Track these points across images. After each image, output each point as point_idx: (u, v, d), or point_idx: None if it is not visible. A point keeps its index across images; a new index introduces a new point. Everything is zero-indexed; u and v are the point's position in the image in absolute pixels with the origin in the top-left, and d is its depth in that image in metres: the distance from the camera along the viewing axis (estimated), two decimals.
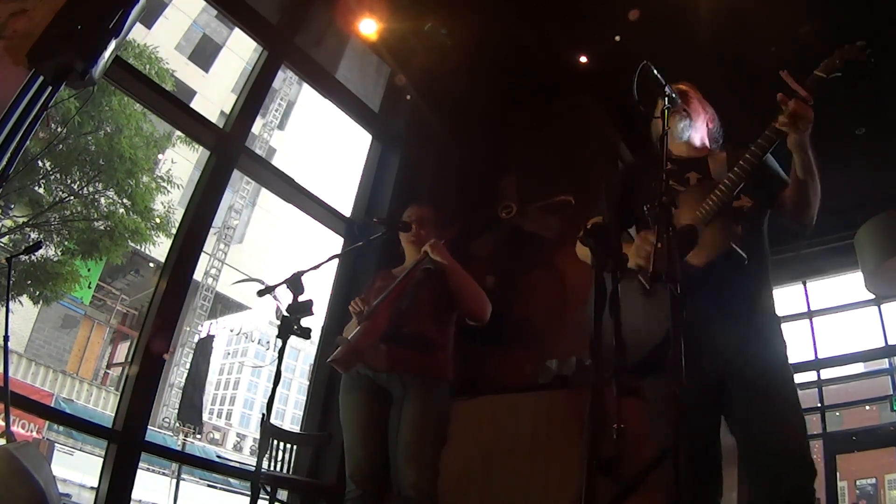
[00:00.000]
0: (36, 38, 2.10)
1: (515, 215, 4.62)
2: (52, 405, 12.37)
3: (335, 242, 4.61)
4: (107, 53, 2.21)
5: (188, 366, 17.98)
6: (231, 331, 29.19)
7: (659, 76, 1.99)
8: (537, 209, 4.52)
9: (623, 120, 4.81)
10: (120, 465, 3.02)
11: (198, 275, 16.52)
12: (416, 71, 4.77)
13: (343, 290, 4.32)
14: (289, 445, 3.42)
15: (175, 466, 16.34)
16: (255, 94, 4.12)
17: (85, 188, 11.55)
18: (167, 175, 12.44)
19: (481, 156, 4.91)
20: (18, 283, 10.85)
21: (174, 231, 9.51)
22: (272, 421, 2.44)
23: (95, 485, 3.15)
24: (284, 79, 20.79)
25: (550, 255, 4.42)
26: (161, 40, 14.20)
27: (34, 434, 13.89)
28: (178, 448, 14.74)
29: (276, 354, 2.40)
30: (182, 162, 15.51)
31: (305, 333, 2.40)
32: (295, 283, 2.47)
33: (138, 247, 12.76)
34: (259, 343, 34.28)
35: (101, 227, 11.68)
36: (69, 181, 11.56)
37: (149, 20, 16.56)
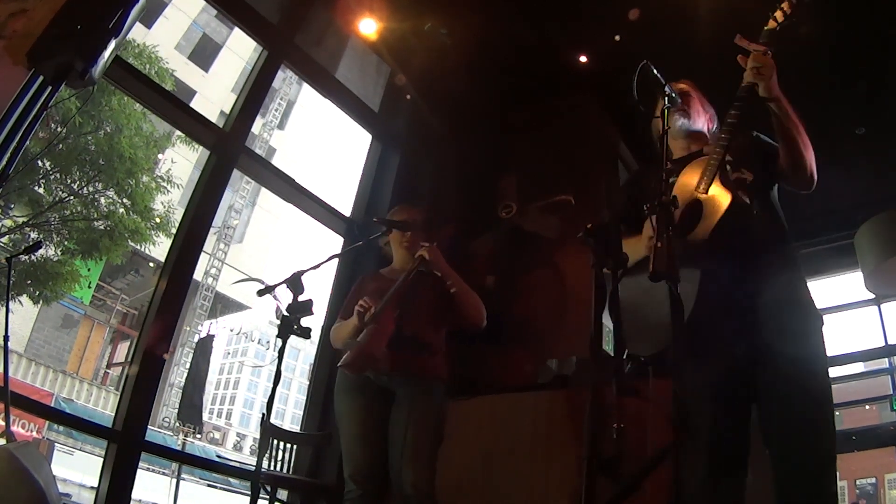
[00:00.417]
0: (36, 37, 2.10)
1: (515, 215, 4.62)
2: (52, 405, 12.37)
3: (335, 242, 4.61)
4: (107, 53, 2.20)
5: (188, 365, 17.99)
6: (231, 330, 29.18)
7: (659, 76, 1.99)
8: (537, 209, 4.51)
9: (623, 120, 4.81)
10: (120, 465, 3.02)
11: (198, 274, 16.55)
12: (416, 71, 4.76)
13: (343, 290, 4.31)
14: (289, 445, 3.42)
15: (175, 466, 16.35)
16: (254, 94, 4.12)
17: (85, 188, 11.55)
18: (167, 175, 12.44)
19: (481, 155, 4.91)
20: (18, 282, 10.85)
21: (174, 231, 9.52)
22: (272, 421, 2.45)
23: (95, 484, 3.16)
24: (284, 78, 20.79)
25: (550, 255, 4.42)
26: (161, 40, 14.20)
27: (34, 434, 13.89)
28: (178, 448, 14.73)
29: (276, 354, 2.40)
30: (182, 162, 15.51)
31: (305, 333, 2.40)
32: (295, 282, 2.47)
33: (138, 246, 12.76)
34: (259, 343, 34.28)
35: (101, 227, 11.68)
36: (69, 181, 11.56)
37: (148, 20, 16.56)
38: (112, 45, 2.22)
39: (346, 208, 4.69)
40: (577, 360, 3.63)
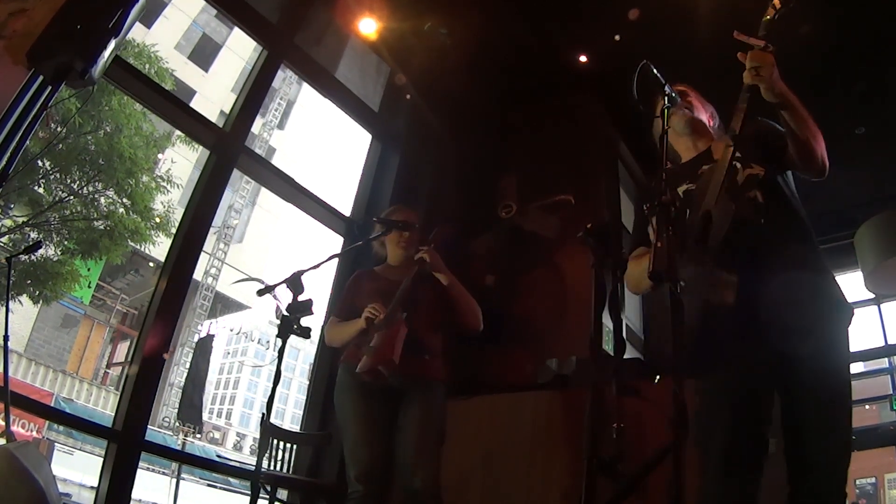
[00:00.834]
0: (35, 37, 2.10)
1: (515, 215, 4.62)
2: (52, 405, 12.37)
3: (335, 242, 4.61)
4: (106, 53, 2.20)
5: (188, 365, 17.98)
6: (231, 330, 29.18)
7: (659, 75, 1.99)
8: (537, 209, 4.51)
9: (623, 120, 4.81)
10: (120, 465, 3.02)
11: (198, 274, 16.55)
12: (415, 70, 4.76)
13: (342, 290, 4.32)
14: (289, 445, 3.42)
15: (175, 466, 16.36)
16: (254, 94, 4.12)
17: (85, 188, 11.54)
18: (167, 175, 12.43)
19: (481, 155, 4.91)
20: (18, 282, 10.85)
21: (174, 231, 9.51)
22: (272, 420, 2.45)
23: (95, 484, 3.16)
24: (284, 78, 20.78)
25: (550, 255, 4.42)
26: (161, 40, 14.20)
27: (34, 434, 13.89)
28: (178, 447, 14.73)
29: (276, 354, 2.40)
30: (182, 161, 15.50)
31: (305, 333, 2.40)
32: (295, 282, 2.47)
33: (138, 246, 12.75)
34: (259, 342, 34.30)
35: (101, 227, 11.68)
36: (69, 181, 11.55)
37: (148, 20, 16.56)
38: (112, 44, 2.22)
39: (345, 208, 4.69)
40: (577, 359, 3.63)
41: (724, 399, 1.94)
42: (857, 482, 14.70)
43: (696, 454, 1.91)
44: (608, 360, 2.18)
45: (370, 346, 2.73)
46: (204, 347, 17.75)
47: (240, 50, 19.18)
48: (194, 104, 9.51)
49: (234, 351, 42.67)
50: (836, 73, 4.39)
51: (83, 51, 2.12)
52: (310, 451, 3.76)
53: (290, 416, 38.82)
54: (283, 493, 3.55)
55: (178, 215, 11.61)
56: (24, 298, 11.57)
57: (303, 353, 38.94)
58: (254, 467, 2.32)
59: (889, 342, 6.36)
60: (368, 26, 4.35)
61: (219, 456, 19.70)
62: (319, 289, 3.21)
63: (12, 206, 11.83)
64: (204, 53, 19.64)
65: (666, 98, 2.00)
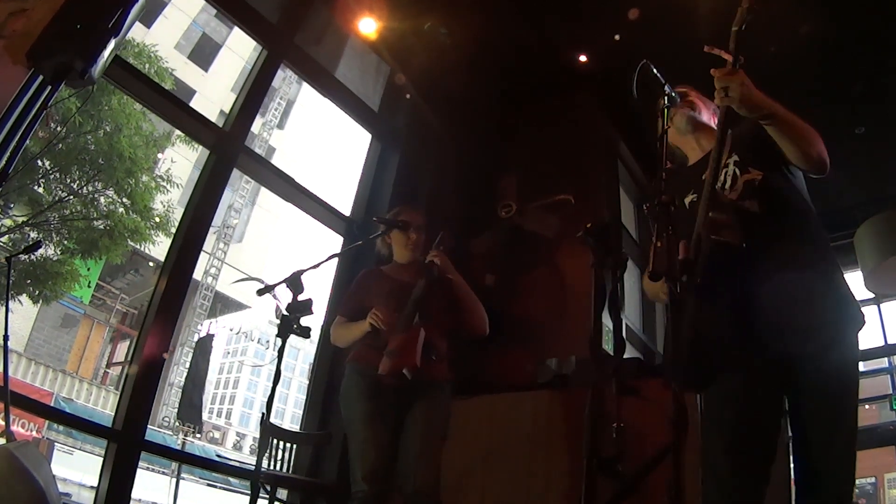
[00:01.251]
0: (35, 37, 2.10)
1: (515, 214, 4.62)
2: (52, 404, 12.36)
3: (335, 241, 4.61)
4: (106, 52, 2.20)
5: (188, 365, 17.96)
6: (231, 330, 29.18)
7: (658, 75, 1.98)
8: (537, 208, 4.52)
9: (623, 119, 4.81)
10: (120, 465, 3.02)
11: (197, 274, 16.55)
12: (415, 70, 4.77)
13: (343, 290, 4.32)
14: (288, 444, 3.42)
15: (175, 465, 16.35)
16: (254, 94, 4.12)
17: (84, 187, 11.53)
18: (167, 174, 12.42)
19: (481, 155, 4.92)
20: (18, 282, 10.84)
21: (174, 230, 9.49)
22: (272, 420, 2.45)
23: (95, 484, 3.16)
24: (284, 78, 20.76)
25: (550, 255, 4.42)
26: (160, 39, 14.19)
27: (34, 433, 13.89)
28: (178, 447, 14.72)
29: (276, 353, 2.40)
30: (182, 161, 15.49)
31: (305, 332, 2.40)
32: (294, 282, 2.47)
33: (138, 246, 12.74)
34: (259, 342, 34.29)
35: (101, 227, 11.67)
36: (69, 180, 11.54)
37: (148, 19, 16.56)
38: (112, 44, 2.22)
39: (345, 208, 4.69)
40: (577, 359, 3.64)
41: (730, 401, 1.94)
42: (857, 482, 14.70)
43: (700, 459, 1.92)
44: (608, 360, 2.18)
45: (389, 349, 2.76)
46: (204, 347, 17.74)
47: (240, 49, 19.17)
48: (194, 104, 9.52)
49: (234, 350, 42.70)
50: (836, 73, 4.39)
51: (83, 50, 2.12)
52: (310, 450, 3.77)
53: (289, 415, 38.84)
54: (282, 493, 3.55)
55: (177, 215, 11.61)
56: (24, 298, 11.56)
57: (302, 352, 38.97)
58: (254, 467, 2.32)
59: (888, 342, 6.37)
60: (368, 26, 4.35)
61: (219, 455, 19.71)
62: (319, 288, 3.21)
63: (12, 205, 11.82)
64: (204, 53, 19.63)
65: (666, 98, 2.00)
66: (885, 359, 7.54)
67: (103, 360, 19.13)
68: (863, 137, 4.93)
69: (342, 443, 3.63)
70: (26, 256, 10.12)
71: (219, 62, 19.82)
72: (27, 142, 2.16)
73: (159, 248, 12.51)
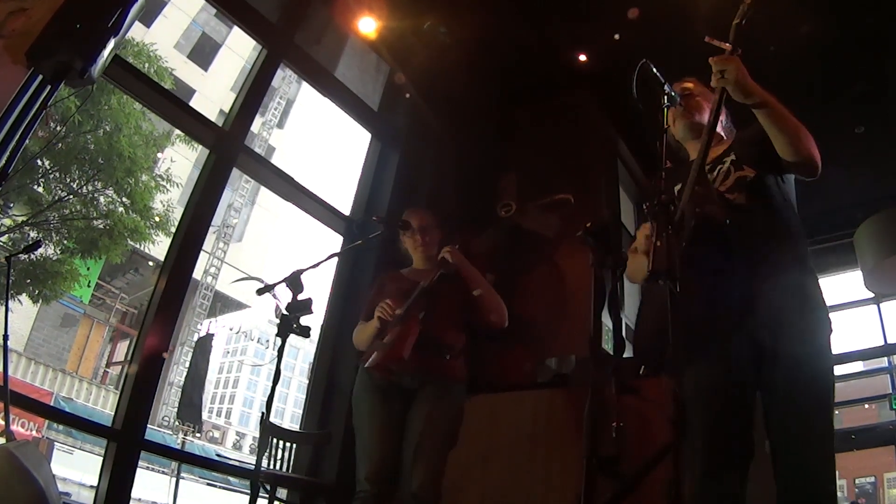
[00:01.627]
0: (35, 36, 2.10)
1: (515, 214, 4.62)
2: (52, 404, 12.36)
3: (334, 241, 4.61)
4: (106, 52, 2.20)
5: (188, 364, 17.98)
6: (230, 329, 29.18)
7: (658, 74, 1.99)
8: (537, 207, 4.52)
9: (623, 119, 4.81)
10: (119, 464, 3.02)
11: (197, 273, 16.56)
12: (415, 69, 4.76)
13: (342, 289, 4.33)
14: (288, 444, 3.42)
15: (174, 465, 16.36)
16: (254, 93, 4.11)
17: (84, 187, 11.53)
18: (166, 174, 12.42)
19: (481, 154, 4.91)
20: (18, 281, 10.84)
21: (173, 230, 9.49)
22: (272, 419, 2.44)
23: (95, 483, 3.16)
24: (284, 77, 20.77)
25: (550, 254, 4.42)
26: (160, 39, 14.18)
27: (34, 433, 13.89)
28: (178, 447, 14.74)
29: (276, 353, 2.40)
30: (181, 160, 15.50)
31: (305, 332, 2.40)
32: (294, 281, 2.47)
33: (138, 245, 12.73)
34: (258, 341, 34.29)
35: (101, 226, 11.67)
36: (68, 180, 11.54)
37: (148, 19, 16.55)
38: (111, 43, 2.22)
39: (345, 207, 4.69)
40: (577, 358, 3.64)
41: (704, 397, 1.94)
42: (857, 481, 14.73)
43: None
44: (608, 359, 2.19)
45: (382, 342, 2.74)
46: (203, 346, 17.76)
47: (239, 49, 19.17)
48: (194, 103, 9.50)
49: (234, 350, 42.70)
50: (836, 72, 4.39)
51: (82, 50, 2.12)
52: (309, 450, 3.77)
53: (289, 414, 38.85)
54: (282, 493, 3.55)
55: (177, 214, 11.62)
56: (24, 297, 11.56)
57: (302, 352, 38.99)
58: (253, 466, 2.32)
59: (888, 341, 6.37)
60: (368, 25, 4.35)
61: (218, 455, 19.73)
62: (319, 288, 3.21)
63: (12, 205, 11.82)
64: (203, 52, 19.63)
65: (665, 97, 2.00)
66: (885, 358, 7.53)
67: (103, 359, 19.14)
68: (863, 137, 4.93)
69: (342, 442, 3.64)
70: (26, 256, 10.12)
71: (218, 61, 19.82)
72: (27, 141, 2.16)
73: (159, 247, 12.50)
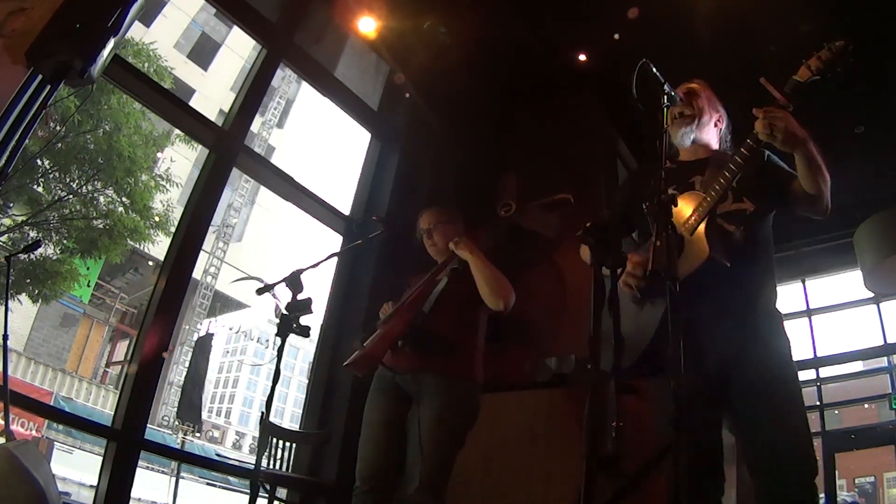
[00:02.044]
0: (34, 36, 2.10)
1: (514, 213, 4.61)
2: (52, 404, 12.35)
3: (334, 240, 4.61)
4: (105, 52, 2.20)
5: (187, 364, 17.98)
6: (230, 329, 29.17)
7: (658, 74, 1.99)
8: (536, 207, 4.51)
9: (622, 118, 4.81)
10: (119, 464, 3.02)
11: (197, 273, 16.53)
12: (415, 69, 4.76)
13: (342, 289, 4.33)
14: (288, 444, 3.42)
15: (174, 465, 16.35)
16: (254, 93, 4.11)
17: (84, 187, 11.53)
18: (166, 173, 12.43)
19: (480, 154, 4.91)
20: (18, 281, 10.84)
21: (173, 229, 9.49)
22: (271, 419, 2.44)
23: (95, 483, 3.16)
24: (283, 77, 20.76)
25: (549, 253, 4.42)
26: (160, 38, 14.16)
27: (33, 433, 13.88)
28: (178, 446, 14.72)
29: (276, 352, 2.40)
30: (181, 160, 15.49)
31: (304, 332, 2.40)
32: (294, 281, 2.47)
33: (137, 245, 12.74)
34: (258, 341, 34.28)
35: (101, 226, 11.68)
36: (68, 180, 11.54)
37: (147, 18, 16.54)
38: (111, 43, 2.22)
39: (345, 207, 4.69)
40: (576, 358, 3.64)
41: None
42: (857, 480, 14.73)
43: None
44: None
45: (365, 342, 2.72)
46: (203, 346, 17.75)
47: (239, 49, 19.16)
48: (193, 103, 9.48)
49: (234, 350, 42.70)
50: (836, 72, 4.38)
51: (82, 49, 2.12)
52: (309, 449, 3.77)
53: (289, 414, 38.85)
54: (282, 492, 3.56)
55: (177, 214, 11.62)
56: (24, 297, 11.56)
57: (302, 351, 38.97)
58: (253, 466, 2.32)
59: (888, 341, 6.38)
60: (368, 25, 4.35)
61: (218, 455, 19.72)
62: (319, 288, 3.21)
63: (11, 205, 11.82)
64: (203, 52, 19.62)
65: (665, 97, 2.00)
66: (885, 358, 7.54)
67: (103, 359, 19.14)
68: (862, 137, 4.93)
69: (341, 442, 3.65)
70: (26, 256, 10.12)
71: (218, 61, 19.81)
72: (26, 141, 2.16)
73: (159, 247, 12.50)
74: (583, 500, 1.61)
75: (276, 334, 2.39)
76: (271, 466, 3.29)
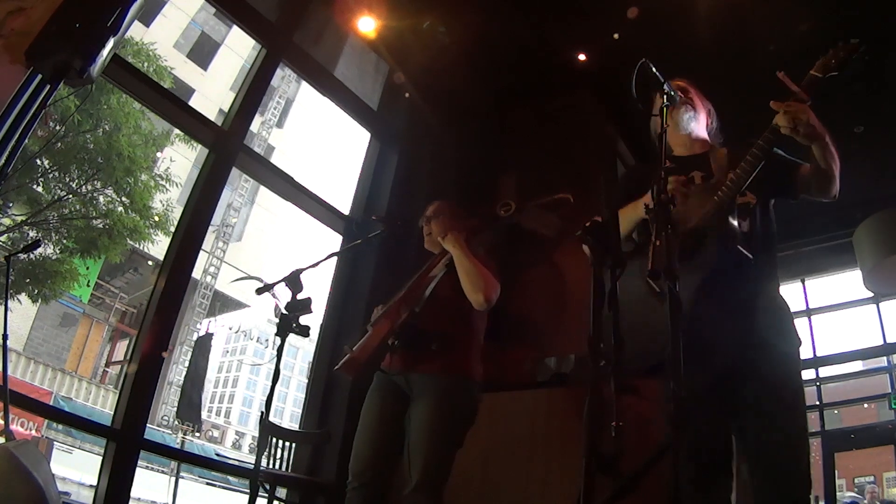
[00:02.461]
0: (34, 36, 2.10)
1: (514, 213, 4.61)
2: (51, 403, 12.36)
3: (334, 240, 4.61)
4: (105, 51, 2.20)
5: (187, 364, 17.97)
6: (230, 329, 29.19)
7: (658, 74, 1.98)
8: (536, 207, 4.51)
9: (622, 118, 4.81)
10: (119, 463, 3.02)
11: (196, 273, 16.54)
12: (414, 69, 4.76)
13: (342, 288, 4.33)
14: (287, 443, 3.42)
15: (174, 464, 16.33)
16: (253, 92, 4.11)
17: (83, 186, 11.54)
18: (166, 173, 12.44)
19: (480, 153, 4.91)
20: (17, 281, 10.85)
21: (173, 229, 9.50)
22: (271, 419, 2.44)
23: (95, 483, 3.16)
24: (283, 76, 20.76)
25: (549, 253, 4.42)
26: (159, 38, 14.19)
27: (33, 432, 13.88)
28: (177, 446, 14.72)
29: (275, 352, 2.40)
30: (181, 160, 15.50)
31: (304, 331, 2.39)
32: (293, 280, 2.47)
33: (137, 245, 12.75)
34: (258, 341, 34.29)
35: (100, 226, 11.68)
36: (68, 179, 11.55)
37: (147, 18, 16.55)
38: (110, 43, 2.22)
39: (344, 206, 4.69)
40: (576, 358, 3.64)
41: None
42: (856, 480, 14.75)
43: None
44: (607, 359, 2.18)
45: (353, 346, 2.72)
46: (203, 346, 17.75)
47: (239, 48, 19.17)
48: (193, 103, 9.52)
49: (233, 349, 42.72)
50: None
51: (82, 49, 2.13)
52: (309, 449, 3.77)
53: (288, 414, 38.86)
54: (282, 492, 3.56)
55: (176, 214, 11.62)
56: (23, 297, 11.57)
57: (302, 351, 39.00)
58: (253, 466, 2.32)
59: (887, 341, 6.38)
60: (367, 25, 4.35)
61: (218, 454, 19.68)
62: (318, 287, 3.21)
63: (11, 204, 11.83)
64: (203, 52, 19.62)
65: (665, 97, 2.00)
66: (884, 358, 7.54)
67: (102, 358, 19.15)
68: (862, 136, 4.93)
69: (341, 441, 3.64)
70: (25, 255, 10.13)
71: (218, 61, 19.81)
72: (26, 141, 2.16)
73: (158, 246, 12.52)
74: (582, 499, 1.61)
75: (276, 334, 2.39)
76: (271, 466, 3.29)
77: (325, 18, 4.58)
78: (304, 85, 18.50)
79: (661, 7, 4.03)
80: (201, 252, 4.42)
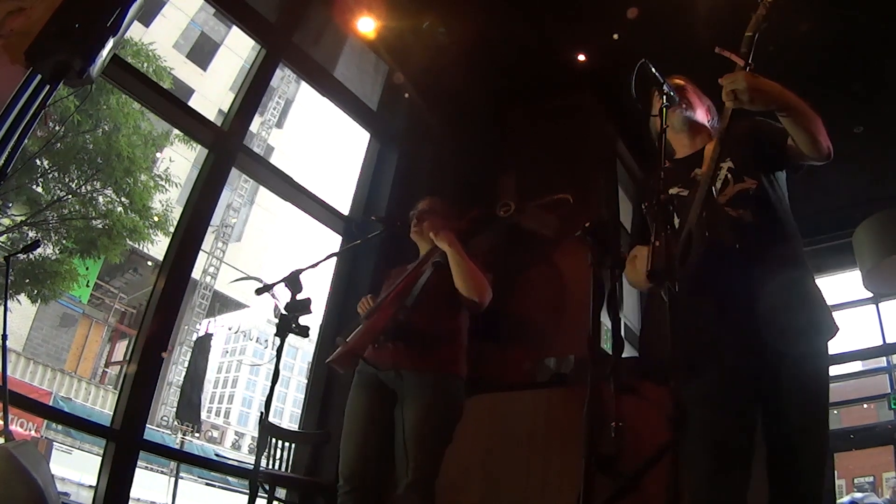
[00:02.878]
0: (34, 36, 2.10)
1: (514, 213, 4.61)
2: (51, 404, 12.36)
3: (333, 240, 4.61)
4: (105, 52, 2.20)
5: (186, 364, 17.96)
6: (229, 329, 29.17)
7: (657, 74, 1.98)
8: (535, 207, 4.51)
9: (621, 118, 4.81)
10: (118, 464, 3.02)
11: (196, 273, 16.55)
12: (414, 69, 4.76)
13: (341, 289, 4.33)
14: (287, 444, 3.42)
15: (173, 465, 16.33)
16: (253, 93, 4.12)
17: (83, 187, 11.53)
18: (165, 173, 12.41)
19: (479, 154, 4.91)
20: (17, 281, 10.84)
21: (172, 229, 9.51)
22: (270, 419, 2.44)
23: (94, 483, 3.16)
24: (283, 77, 20.75)
25: (548, 253, 4.42)
26: (159, 38, 14.17)
27: (32, 433, 13.87)
28: (177, 446, 14.70)
29: (275, 353, 2.40)
30: (180, 160, 15.48)
31: (304, 332, 2.39)
32: (293, 281, 2.47)
33: (136, 245, 12.73)
34: (257, 341, 34.26)
35: (100, 226, 11.67)
36: (67, 180, 11.54)
37: (147, 18, 16.53)
38: (110, 43, 2.22)
39: (344, 207, 4.69)
40: (576, 358, 3.64)
41: (707, 406, 1.93)
42: (856, 480, 14.74)
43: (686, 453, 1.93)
44: (606, 359, 2.19)
45: (345, 339, 2.68)
46: (202, 346, 17.74)
47: (238, 49, 19.14)
48: (193, 103, 9.49)
49: (233, 350, 42.68)
50: (835, 71, 4.39)
51: (81, 49, 2.12)
52: (308, 449, 3.77)
53: (288, 414, 38.83)
54: (281, 492, 3.55)
55: (176, 214, 11.61)
56: (23, 297, 11.55)
57: (301, 351, 38.93)
58: (252, 466, 2.32)
59: (887, 341, 6.37)
60: (367, 25, 4.35)
61: (217, 455, 19.65)
62: (318, 288, 3.21)
63: (11, 205, 11.82)
64: (202, 52, 19.61)
65: (664, 97, 1.99)
66: (884, 358, 7.53)
67: (102, 359, 19.13)
68: (861, 136, 4.92)
69: (339, 441, 3.64)
70: (25, 256, 10.12)
71: (217, 61, 19.80)
72: (25, 141, 2.16)
73: (158, 247, 12.50)
74: (582, 499, 1.61)
75: (276, 334, 2.39)
76: (270, 466, 3.29)
77: (325, 19, 4.58)
78: (304, 85, 18.46)
79: (661, 7, 4.03)
80: (201, 252, 4.42)
